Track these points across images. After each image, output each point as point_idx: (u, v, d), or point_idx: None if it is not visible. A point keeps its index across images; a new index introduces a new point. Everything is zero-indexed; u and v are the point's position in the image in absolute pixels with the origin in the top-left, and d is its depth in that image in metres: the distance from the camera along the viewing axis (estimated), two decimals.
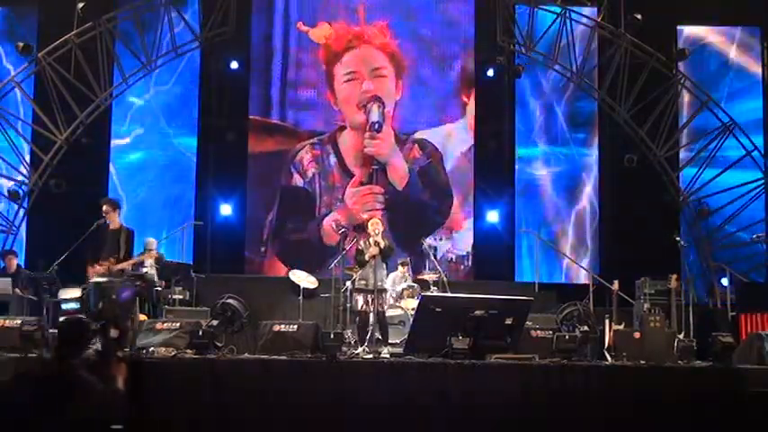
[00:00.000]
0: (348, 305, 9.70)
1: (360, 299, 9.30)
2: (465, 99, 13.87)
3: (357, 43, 13.78)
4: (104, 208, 9.12)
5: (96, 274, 9.01)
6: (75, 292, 8.94)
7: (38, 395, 4.12)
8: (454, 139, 13.80)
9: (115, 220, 9.10)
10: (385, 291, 9.43)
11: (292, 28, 13.87)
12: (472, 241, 13.65)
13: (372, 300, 9.19)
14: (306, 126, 13.79)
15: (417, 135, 13.76)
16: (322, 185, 13.62)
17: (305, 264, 11.57)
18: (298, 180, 13.64)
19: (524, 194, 13.89)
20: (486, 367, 7.56)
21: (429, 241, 12.66)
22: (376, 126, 13.48)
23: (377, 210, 13.19)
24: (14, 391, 4.17)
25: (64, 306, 8.63)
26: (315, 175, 13.63)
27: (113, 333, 4.72)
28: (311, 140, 13.66)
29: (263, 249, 13.55)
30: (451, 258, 13.51)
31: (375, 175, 13.53)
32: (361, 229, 11.24)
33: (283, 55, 13.90)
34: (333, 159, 13.66)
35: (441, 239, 13.48)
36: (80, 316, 4.48)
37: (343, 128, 13.75)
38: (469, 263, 13.59)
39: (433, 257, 11.37)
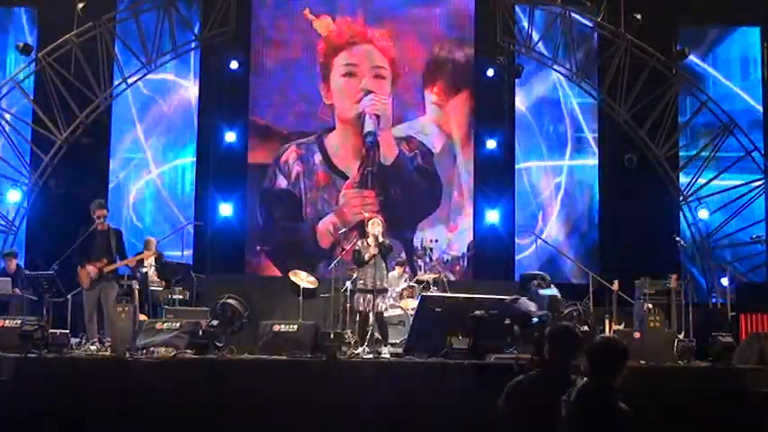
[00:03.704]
0: (348, 305, 9.69)
1: (360, 299, 9.29)
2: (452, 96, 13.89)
3: (360, 40, 13.77)
4: (100, 212, 9.18)
5: (90, 276, 9.05)
6: (533, 306, 8.82)
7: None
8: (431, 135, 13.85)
9: (103, 222, 9.15)
10: (385, 291, 9.38)
11: (292, 22, 13.87)
12: (468, 241, 13.63)
13: (372, 300, 9.18)
14: (303, 125, 13.75)
15: (405, 131, 13.77)
16: (306, 185, 13.58)
17: (298, 266, 11.54)
18: (282, 182, 13.57)
19: (524, 194, 13.90)
20: (486, 367, 7.56)
21: (426, 241, 12.71)
22: (369, 138, 13.47)
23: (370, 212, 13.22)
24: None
25: (534, 320, 8.57)
26: (299, 175, 13.59)
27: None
28: (297, 141, 13.62)
29: (257, 248, 13.54)
30: (447, 260, 13.50)
31: (368, 177, 13.53)
32: (360, 228, 11.24)
33: (278, 51, 13.87)
34: (318, 158, 13.61)
35: (436, 241, 13.47)
36: (609, 336, 4.30)
37: (330, 129, 13.69)
38: (465, 263, 13.59)
39: (429, 258, 11.38)
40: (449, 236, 13.64)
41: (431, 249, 12.28)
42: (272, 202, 13.56)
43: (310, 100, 13.75)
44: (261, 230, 13.51)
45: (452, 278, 12.99)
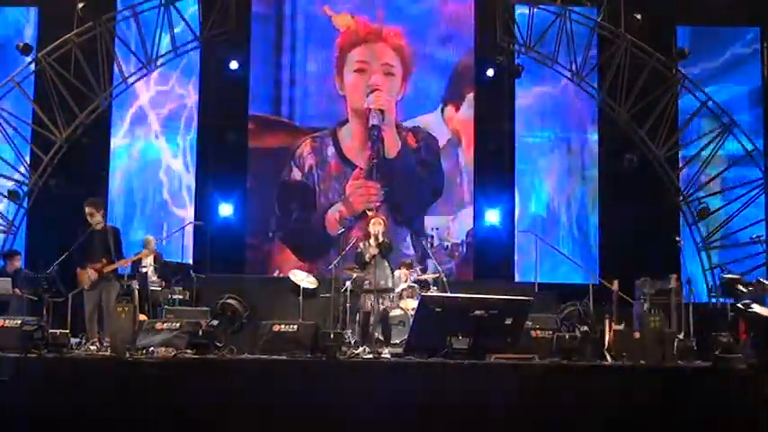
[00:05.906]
0: (348, 305, 9.70)
1: (364, 299, 9.27)
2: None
3: (374, 38, 14.02)
4: (88, 209, 9.15)
5: (90, 277, 9.04)
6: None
7: None
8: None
9: (100, 221, 9.13)
10: (390, 290, 9.30)
11: (298, 18, 14.03)
12: (467, 229, 13.72)
13: (376, 299, 9.16)
14: (307, 120, 13.88)
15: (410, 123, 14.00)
16: (320, 176, 13.79)
17: (309, 252, 11.65)
18: (297, 174, 13.79)
19: (524, 193, 13.92)
20: (486, 367, 7.56)
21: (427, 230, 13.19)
22: (374, 132, 13.57)
23: (376, 203, 13.40)
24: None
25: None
26: (313, 167, 13.78)
27: None
28: (312, 135, 13.85)
29: (270, 234, 13.70)
30: (447, 246, 13.60)
31: (373, 169, 13.64)
32: (363, 216, 11.36)
33: (285, 48, 14.02)
34: (331, 150, 13.85)
35: (437, 229, 13.69)
36: None
37: (344, 122, 13.89)
38: (464, 249, 13.67)
39: (429, 247, 11.42)
40: (450, 225, 13.76)
41: (432, 237, 12.46)
42: (288, 194, 13.80)
43: (318, 93, 13.96)
44: (277, 220, 13.73)
45: (452, 266, 13.29)
